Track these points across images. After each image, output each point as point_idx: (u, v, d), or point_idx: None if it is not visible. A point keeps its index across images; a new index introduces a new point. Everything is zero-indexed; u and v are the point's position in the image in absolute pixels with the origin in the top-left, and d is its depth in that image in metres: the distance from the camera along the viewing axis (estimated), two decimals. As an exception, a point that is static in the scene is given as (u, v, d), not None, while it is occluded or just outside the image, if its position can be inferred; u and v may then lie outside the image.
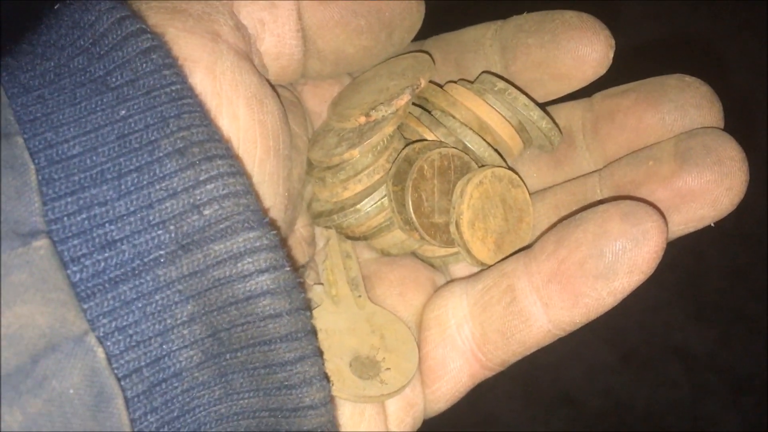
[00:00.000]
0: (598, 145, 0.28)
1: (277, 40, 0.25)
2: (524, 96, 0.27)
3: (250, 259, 0.20)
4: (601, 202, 0.25)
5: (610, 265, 0.23)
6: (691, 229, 0.25)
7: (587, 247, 0.23)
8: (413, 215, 0.26)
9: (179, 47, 0.21)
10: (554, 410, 0.92)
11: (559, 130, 0.28)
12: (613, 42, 0.26)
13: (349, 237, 0.28)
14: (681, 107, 0.26)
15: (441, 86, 0.29)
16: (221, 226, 0.20)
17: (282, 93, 0.27)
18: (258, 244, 0.20)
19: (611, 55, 0.26)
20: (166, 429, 0.20)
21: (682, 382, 0.92)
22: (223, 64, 0.22)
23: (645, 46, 0.97)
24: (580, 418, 0.91)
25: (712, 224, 0.25)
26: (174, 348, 0.19)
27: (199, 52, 0.21)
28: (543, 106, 0.28)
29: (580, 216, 0.24)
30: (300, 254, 0.27)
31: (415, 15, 0.26)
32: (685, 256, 0.97)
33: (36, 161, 0.19)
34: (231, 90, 0.22)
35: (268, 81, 0.24)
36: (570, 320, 0.24)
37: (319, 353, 0.21)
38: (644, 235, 0.22)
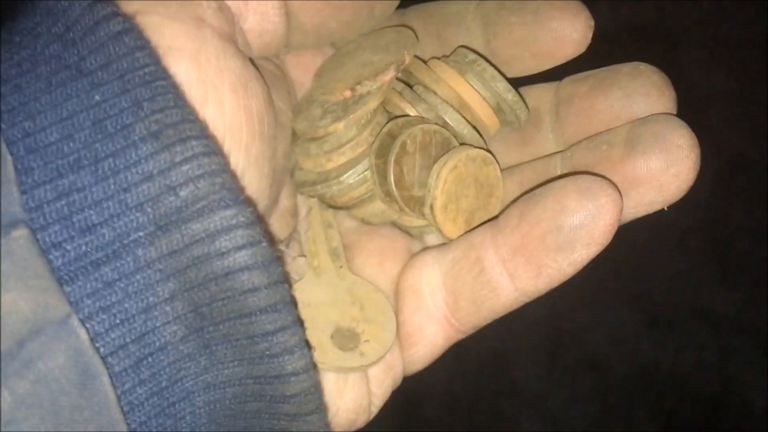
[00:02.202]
0: (559, 127, 0.28)
1: (260, 17, 0.25)
2: (492, 68, 0.28)
3: (227, 237, 0.20)
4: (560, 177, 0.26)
5: (568, 239, 0.24)
6: (642, 213, 0.25)
7: (547, 222, 0.24)
8: (394, 188, 0.27)
9: (163, 35, 0.22)
10: (579, 376, 0.92)
11: (526, 105, 0.29)
12: (592, 23, 0.27)
13: (331, 206, 0.29)
14: (629, 95, 0.26)
15: (425, 61, 0.29)
16: (198, 206, 0.20)
17: (266, 66, 0.28)
18: (234, 221, 0.20)
19: (590, 35, 0.27)
20: (156, 399, 0.21)
21: (708, 345, 0.92)
22: (207, 50, 0.22)
23: (623, 29, 0.97)
24: (605, 383, 0.92)
25: (665, 209, 0.25)
26: (158, 324, 0.20)
27: (183, 40, 0.22)
28: (512, 82, 0.29)
29: (540, 191, 0.25)
30: (284, 226, 0.28)
31: None
32: (709, 218, 0.96)
33: (14, 151, 0.20)
34: (216, 77, 0.22)
35: (251, 60, 0.25)
36: (535, 289, 0.25)
37: (299, 323, 0.22)
38: (599, 210, 0.23)
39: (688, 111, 0.27)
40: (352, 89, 0.27)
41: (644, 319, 0.94)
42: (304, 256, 0.28)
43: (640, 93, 0.26)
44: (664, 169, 0.24)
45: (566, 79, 0.29)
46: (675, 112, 0.26)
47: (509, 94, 0.28)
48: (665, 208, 0.25)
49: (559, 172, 0.27)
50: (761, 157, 1.00)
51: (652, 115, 0.26)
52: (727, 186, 0.98)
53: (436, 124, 0.28)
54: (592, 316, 0.93)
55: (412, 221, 0.29)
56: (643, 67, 0.27)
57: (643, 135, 0.25)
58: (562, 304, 0.88)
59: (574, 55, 0.27)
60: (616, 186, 0.24)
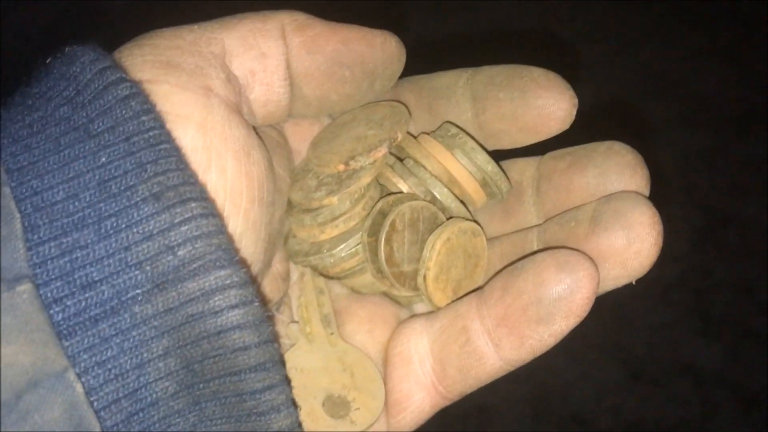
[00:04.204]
0: (540, 201, 0.30)
1: (266, 88, 0.26)
2: (473, 141, 0.30)
3: (221, 296, 0.21)
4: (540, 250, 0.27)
5: (548, 311, 0.25)
6: (610, 288, 0.27)
7: (528, 295, 0.25)
8: (385, 266, 0.28)
9: (172, 103, 0.23)
10: (564, 430, 0.92)
11: (507, 177, 0.30)
12: (576, 101, 0.28)
13: (322, 275, 0.30)
14: (603, 173, 0.28)
15: (415, 136, 0.31)
16: (194, 265, 0.21)
17: (269, 133, 0.29)
18: (228, 281, 0.21)
19: (574, 112, 0.28)
20: None
21: (691, 399, 0.93)
22: (213, 119, 0.23)
23: (606, 104, 1.01)
24: (590, 439, 0.92)
25: (633, 282, 0.26)
26: (150, 380, 0.21)
27: (191, 108, 0.23)
28: (493, 155, 0.30)
29: (522, 264, 0.26)
30: (275, 290, 0.29)
31: (396, 64, 0.28)
32: (691, 274, 0.98)
33: (22, 208, 0.21)
34: (220, 144, 0.23)
35: (254, 129, 0.26)
36: (518, 358, 0.26)
37: (287, 382, 0.23)
38: (577, 283, 0.25)
39: (668, 168, 0.28)
40: (346, 164, 0.28)
41: (628, 374, 0.94)
42: (296, 321, 0.28)
43: (614, 171, 0.28)
44: (626, 245, 0.25)
45: (547, 155, 0.30)
46: (647, 190, 0.28)
47: (489, 165, 0.30)
48: (633, 283, 0.26)
49: (535, 246, 0.29)
50: (741, 212, 1.02)
51: (617, 192, 0.27)
52: (709, 241, 1.00)
53: (424, 199, 0.29)
54: (576, 370, 0.94)
55: (402, 291, 0.29)
56: (618, 147, 0.28)
57: (606, 212, 0.26)
58: (546, 359, 0.88)
59: (560, 131, 0.29)
60: (592, 260, 0.25)
